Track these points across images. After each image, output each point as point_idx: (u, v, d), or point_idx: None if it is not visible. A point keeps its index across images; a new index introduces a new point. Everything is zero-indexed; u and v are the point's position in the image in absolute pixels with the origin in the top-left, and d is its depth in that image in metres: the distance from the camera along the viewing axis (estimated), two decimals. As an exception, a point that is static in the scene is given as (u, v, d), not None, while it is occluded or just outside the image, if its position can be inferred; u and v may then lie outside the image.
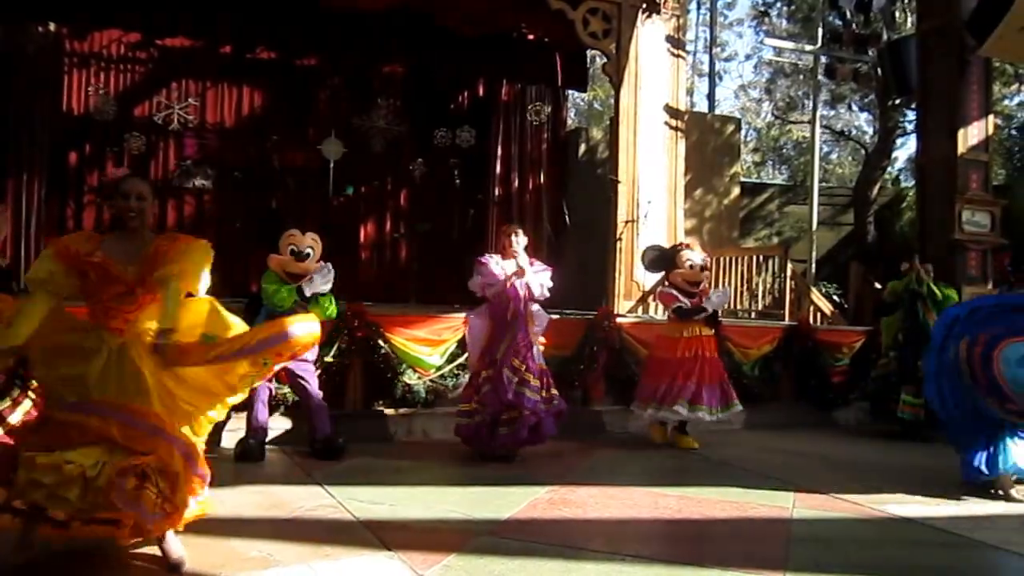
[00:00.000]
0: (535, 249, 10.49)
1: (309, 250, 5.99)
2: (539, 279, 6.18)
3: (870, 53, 14.41)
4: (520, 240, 6.19)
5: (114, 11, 9.05)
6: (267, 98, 11.53)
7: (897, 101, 16.40)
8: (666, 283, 7.26)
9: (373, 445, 6.49)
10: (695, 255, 6.96)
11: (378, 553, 3.92)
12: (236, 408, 6.12)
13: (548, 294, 6.30)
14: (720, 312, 7.23)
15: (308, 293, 5.89)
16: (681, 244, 7.27)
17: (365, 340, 6.84)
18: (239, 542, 3.98)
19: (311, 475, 5.47)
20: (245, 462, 5.77)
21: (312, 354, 5.95)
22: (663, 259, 7.22)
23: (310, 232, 6.09)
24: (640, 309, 9.03)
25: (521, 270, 6.10)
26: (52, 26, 9.93)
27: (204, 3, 9.61)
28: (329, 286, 6.02)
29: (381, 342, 6.88)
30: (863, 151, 21.82)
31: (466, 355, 6.75)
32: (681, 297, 6.85)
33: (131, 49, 10.77)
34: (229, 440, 6.06)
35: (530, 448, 6.27)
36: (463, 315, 6.86)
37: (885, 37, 14.86)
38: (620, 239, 9.05)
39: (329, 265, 6.05)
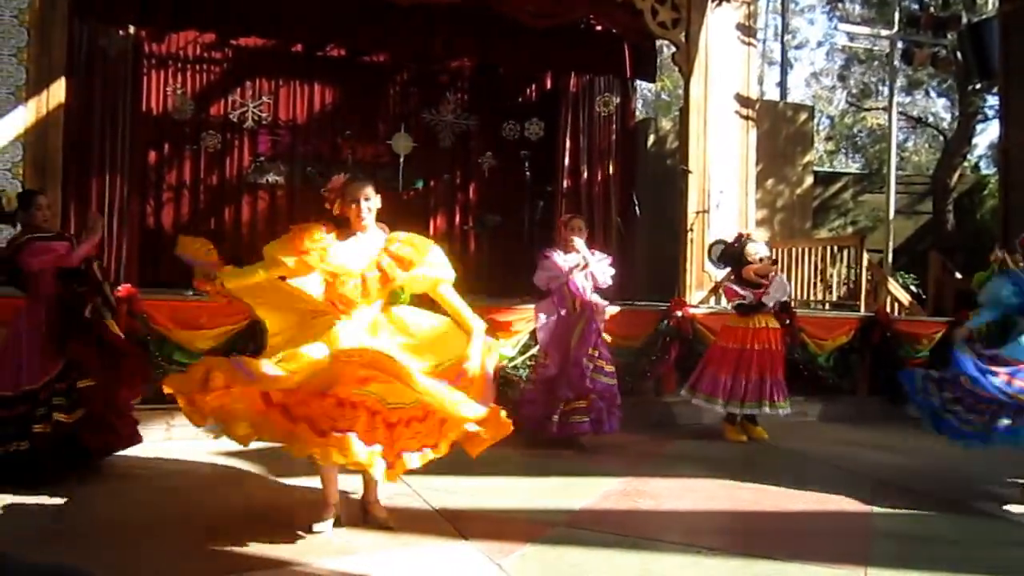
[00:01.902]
0: (604, 241, 10.53)
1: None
2: (601, 267, 6.27)
3: (949, 36, 13.99)
4: (579, 229, 6.36)
5: (191, 13, 9.27)
6: (338, 94, 11.70)
7: (978, 86, 15.91)
8: (731, 277, 7.16)
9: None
10: (761, 247, 6.91)
11: (455, 542, 3.97)
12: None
13: (610, 281, 6.40)
14: (792, 303, 7.16)
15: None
16: (744, 236, 7.16)
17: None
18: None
19: (387, 465, 5.55)
20: None
21: None
22: (730, 254, 7.12)
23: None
24: (712, 300, 8.93)
25: (585, 262, 6.22)
26: (132, 29, 10.23)
27: (276, 3, 9.79)
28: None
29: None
30: (942, 138, 21.24)
31: (537, 347, 6.80)
32: (742, 292, 6.76)
33: (207, 50, 11.04)
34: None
35: (606, 439, 6.31)
36: (533, 307, 6.89)
37: (965, 19, 14.40)
38: (691, 230, 8.97)
39: None
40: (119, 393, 5.17)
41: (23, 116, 7.21)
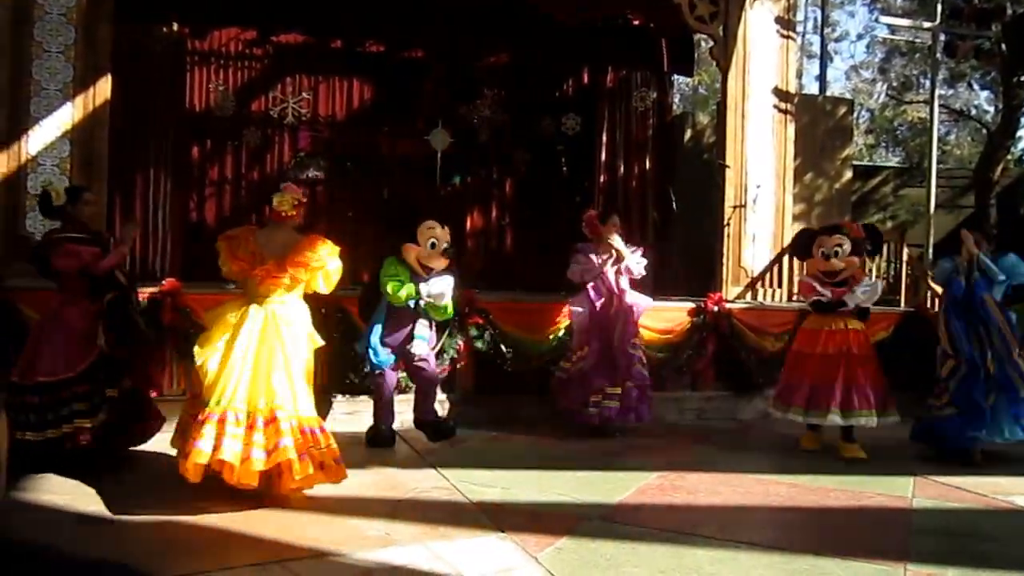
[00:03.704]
0: (641, 236, 10.51)
1: (445, 245, 5.78)
2: (634, 260, 6.44)
3: (993, 28, 13.78)
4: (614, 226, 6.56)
5: (233, 10, 9.38)
6: (376, 91, 11.77)
7: (1022, 78, 15.63)
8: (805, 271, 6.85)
9: (483, 429, 6.62)
10: (829, 242, 6.15)
11: (492, 535, 4.03)
12: (358, 392, 6.40)
13: (644, 272, 6.60)
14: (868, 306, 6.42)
15: (425, 294, 5.70)
16: (828, 226, 6.53)
17: (476, 326, 6.97)
18: (359, 521, 4.15)
19: (425, 458, 5.63)
20: (377, 447, 5.86)
21: (432, 338, 6.02)
22: (799, 245, 6.55)
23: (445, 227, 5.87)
24: (749, 295, 8.90)
25: (619, 254, 6.35)
26: (175, 27, 10.40)
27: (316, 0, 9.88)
28: (449, 296, 5.77)
29: (491, 328, 7.01)
30: (985, 131, 20.89)
31: (572, 338, 6.87)
32: (820, 288, 6.16)
33: (248, 47, 11.15)
34: (352, 424, 6.28)
35: (642, 435, 6.39)
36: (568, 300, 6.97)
37: (1010, 11, 14.17)
38: (728, 224, 8.93)
39: (448, 277, 5.82)
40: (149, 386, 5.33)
41: (70, 113, 7.36)
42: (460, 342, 6.90)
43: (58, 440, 4.88)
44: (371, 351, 5.75)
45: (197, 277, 8.33)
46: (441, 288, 5.70)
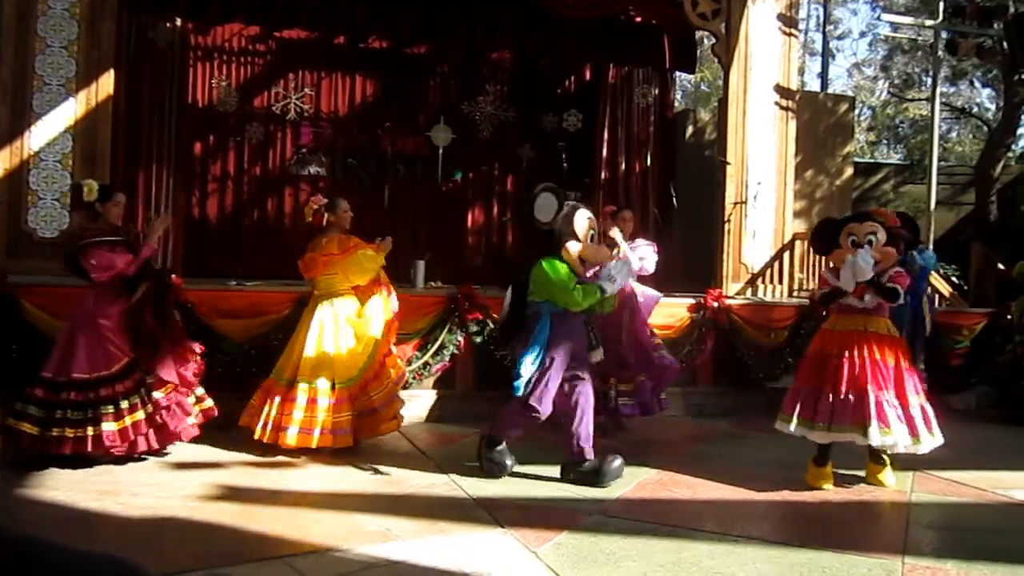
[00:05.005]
0: (642, 232, 10.51)
1: (618, 237, 5.23)
2: (636, 254, 6.28)
3: (995, 26, 13.76)
4: (625, 220, 6.55)
5: (237, 5, 9.38)
6: (378, 86, 11.79)
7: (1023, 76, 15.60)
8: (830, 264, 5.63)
9: (480, 426, 6.63)
10: (861, 230, 5.05)
11: (491, 530, 4.05)
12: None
13: (651, 268, 6.45)
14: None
15: (609, 291, 4.95)
16: (858, 214, 5.59)
17: (476, 322, 7.00)
18: (360, 516, 4.17)
19: (425, 454, 5.66)
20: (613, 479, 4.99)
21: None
22: (821, 236, 5.37)
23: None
24: (749, 291, 8.92)
25: (618, 248, 6.28)
26: (179, 22, 10.41)
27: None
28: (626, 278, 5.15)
29: (491, 324, 7.04)
30: (986, 128, 20.89)
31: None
32: (833, 280, 5.17)
33: (251, 42, 11.17)
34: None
35: (640, 430, 6.40)
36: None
37: (1012, 9, 14.15)
38: (729, 221, 8.95)
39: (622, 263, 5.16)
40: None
41: (73, 108, 7.37)
42: (460, 338, 6.93)
43: (83, 439, 4.86)
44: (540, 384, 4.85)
45: (199, 273, 8.36)
46: (623, 276, 5.03)
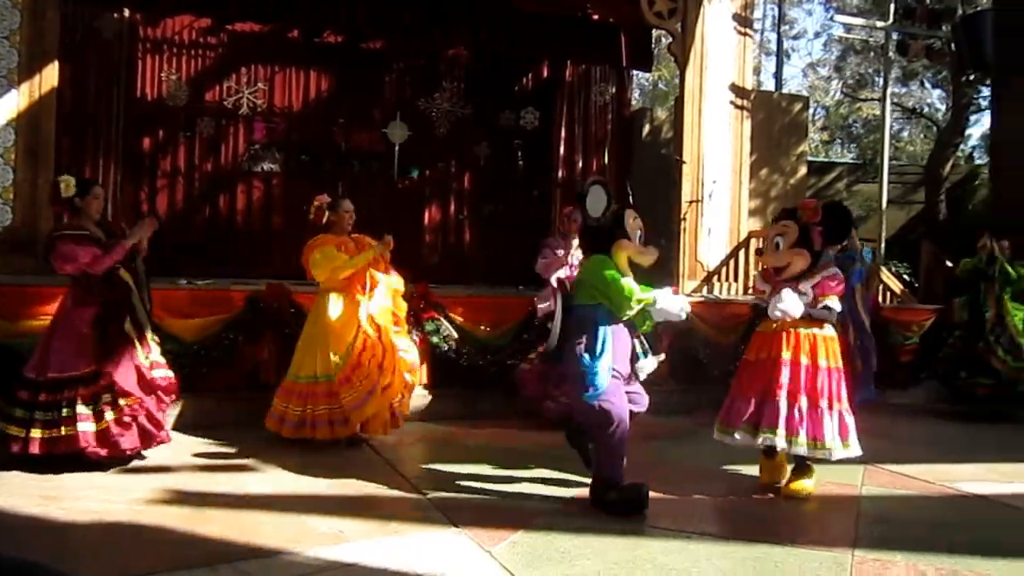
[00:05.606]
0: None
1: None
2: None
3: (944, 28, 14.03)
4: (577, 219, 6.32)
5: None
6: (334, 82, 11.64)
7: (971, 77, 15.93)
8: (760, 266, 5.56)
9: (442, 424, 6.60)
10: (769, 234, 5.13)
11: (446, 530, 4.00)
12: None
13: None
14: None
15: (662, 315, 4.60)
16: (782, 211, 5.29)
17: (432, 320, 6.94)
18: (312, 518, 4.09)
19: (381, 454, 5.59)
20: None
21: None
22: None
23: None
24: (704, 289, 8.96)
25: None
26: (127, 13, 10.17)
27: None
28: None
29: (446, 322, 6.98)
30: (935, 128, 21.27)
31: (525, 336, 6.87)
32: (760, 286, 5.08)
33: (202, 35, 10.95)
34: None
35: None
36: (529, 296, 6.96)
37: (960, 12, 14.43)
38: (684, 219, 8.99)
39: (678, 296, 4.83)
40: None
41: (15, 100, 7.14)
42: (416, 337, 6.86)
43: (57, 439, 4.73)
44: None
45: (148, 271, 8.16)
46: (680, 305, 4.65)
